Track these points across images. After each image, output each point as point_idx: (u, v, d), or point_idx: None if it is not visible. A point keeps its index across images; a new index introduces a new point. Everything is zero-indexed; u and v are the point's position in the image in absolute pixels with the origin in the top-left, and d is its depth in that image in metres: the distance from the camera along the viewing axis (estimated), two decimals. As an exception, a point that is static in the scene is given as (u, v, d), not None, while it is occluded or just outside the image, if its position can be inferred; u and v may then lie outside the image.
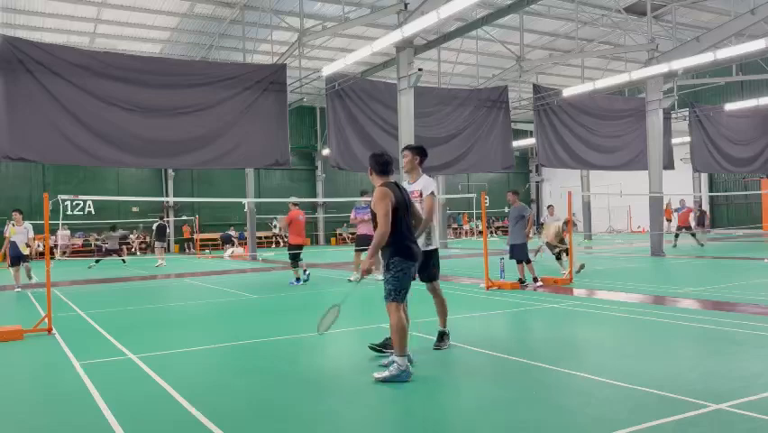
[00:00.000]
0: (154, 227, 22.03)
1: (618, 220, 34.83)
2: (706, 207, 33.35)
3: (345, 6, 18.59)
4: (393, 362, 5.08)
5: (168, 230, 23.37)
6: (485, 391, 4.81)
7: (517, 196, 11.70)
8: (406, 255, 5.23)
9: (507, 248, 11.66)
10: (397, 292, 5.18)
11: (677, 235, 21.60)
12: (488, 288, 10.99)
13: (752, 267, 13.79)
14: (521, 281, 11.27)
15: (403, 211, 5.27)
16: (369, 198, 12.12)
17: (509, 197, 11.60)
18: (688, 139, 23.60)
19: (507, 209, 14.64)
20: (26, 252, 13.44)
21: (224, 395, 4.84)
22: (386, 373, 5.02)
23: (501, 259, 12.55)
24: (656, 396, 4.40)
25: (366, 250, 11.47)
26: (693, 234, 21.47)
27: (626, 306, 8.58)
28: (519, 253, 11.27)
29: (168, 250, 30.35)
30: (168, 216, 30.91)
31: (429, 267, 6.01)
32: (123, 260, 21.69)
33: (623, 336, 6.65)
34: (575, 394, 4.71)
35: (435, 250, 6.09)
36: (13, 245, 13.22)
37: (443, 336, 6.25)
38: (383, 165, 5.40)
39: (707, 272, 13.84)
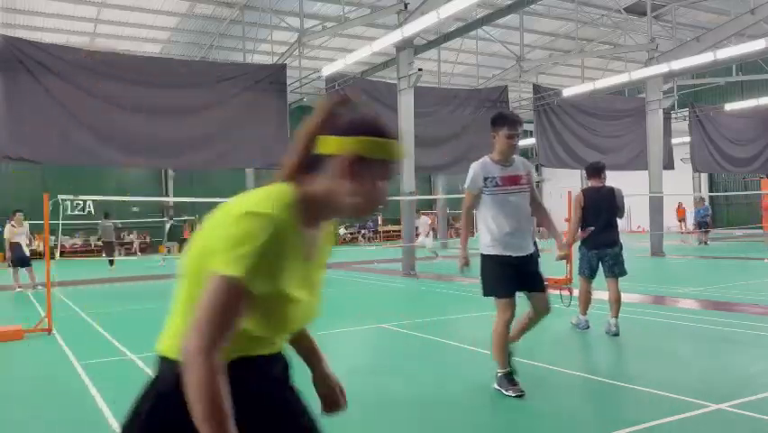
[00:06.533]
0: (168, 227, 21.86)
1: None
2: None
3: (345, 6, 18.57)
4: None
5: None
6: (483, 391, 4.81)
7: None
8: None
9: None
10: None
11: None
12: (488, 288, 10.97)
13: (752, 267, 13.79)
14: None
15: None
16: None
17: None
18: (688, 139, 23.56)
19: None
20: (26, 252, 13.33)
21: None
22: None
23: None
24: (656, 396, 4.40)
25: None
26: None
27: (626, 306, 8.51)
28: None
29: (168, 250, 30.41)
30: (167, 216, 30.91)
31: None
32: (110, 261, 19.62)
33: (622, 335, 6.64)
34: (575, 394, 4.72)
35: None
36: (18, 247, 13.01)
37: None
38: None
39: (707, 272, 13.84)
